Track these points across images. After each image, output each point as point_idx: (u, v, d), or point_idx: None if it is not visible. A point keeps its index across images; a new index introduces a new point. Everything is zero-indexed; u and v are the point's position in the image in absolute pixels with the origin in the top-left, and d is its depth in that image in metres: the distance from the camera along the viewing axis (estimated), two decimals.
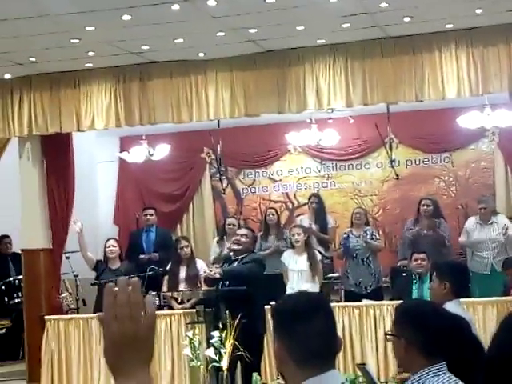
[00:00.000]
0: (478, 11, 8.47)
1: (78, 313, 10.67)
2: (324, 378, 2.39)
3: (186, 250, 9.88)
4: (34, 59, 9.36)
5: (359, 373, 6.17)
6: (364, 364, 5.97)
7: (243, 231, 8.67)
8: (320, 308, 2.50)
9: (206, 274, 8.62)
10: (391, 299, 9.54)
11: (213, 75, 9.69)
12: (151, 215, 11.34)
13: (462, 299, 5.43)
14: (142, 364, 1.58)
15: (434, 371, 3.17)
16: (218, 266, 8.80)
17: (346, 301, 10.21)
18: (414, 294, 9.20)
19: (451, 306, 4.50)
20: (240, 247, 8.43)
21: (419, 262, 9.11)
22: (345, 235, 10.63)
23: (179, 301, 9.72)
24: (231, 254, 8.68)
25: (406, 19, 8.61)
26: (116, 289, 1.58)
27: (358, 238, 10.50)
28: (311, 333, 2.43)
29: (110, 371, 1.60)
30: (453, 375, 3.20)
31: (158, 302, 9.71)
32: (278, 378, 8.47)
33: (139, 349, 1.58)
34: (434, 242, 10.36)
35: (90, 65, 9.76)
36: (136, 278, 1.63)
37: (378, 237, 10.78)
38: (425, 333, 3.23)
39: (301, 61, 9.48)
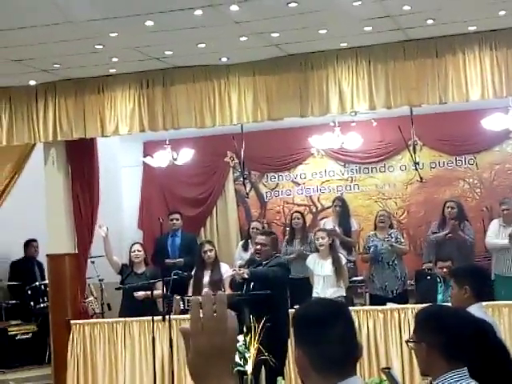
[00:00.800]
0: (501, 13, 8.42)
1: (103, 317, 10.73)
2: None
3: (209, 253, 9.88)
4: (58, 65, 9.43)
5: (384, 377, 6.15)
6: (389, 368, 5.94)
7: (261, 239, 8.62)
8: (340, 315, 2.51)
9: (233, 273, 8.63)
10: (416, 302, 9.51)
11: (235, 80, 9.71)
12: (177, 220, 11.38)
13: (484, 302, 5.40)
14: (228, 375, 1.65)
15: (455, 377, 3.15)
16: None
17: (371, 304, 10.19)
18: (440, 297, 9.18)
19: (474, 310, 4.47)
20: (262, 256, 8.46)
21: (444, 270, 9.11)
22: (370, 238, 10.59)
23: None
24: (256, 258, 8.68)
25: (429, 22, 8.58)
26: (201, 302, 1.64)
27: (382, 241, 10.47)
28: (331, 340, 2.43)
29: (194, 380, 1.65)
30: (475, 381, 3.17)
31: (182, 306, 9.74)
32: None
33: (224, 360, 1.64)
34: (458, 246, 10.31)
35: (113, 70, 9.81)
36: (223, 293, 1.69)
37: (402, 240, 10.74)
38: (445, 335, 3.21)
39: (323, 64, 9.48)
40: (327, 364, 2.41)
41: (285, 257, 10.85)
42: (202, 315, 1.62)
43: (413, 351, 3.39)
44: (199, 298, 1.64)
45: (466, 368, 3.18)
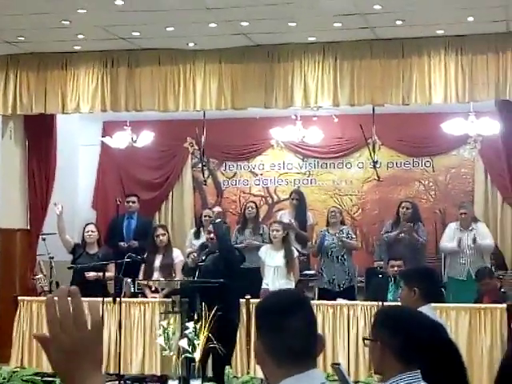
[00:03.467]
0: (470, 19, 8.53)
1: None
2: (304, 377, 2.38)
3: (162, 237, 9.84)
4: (22, 38, 9.31)
5: (332, 372, 6.19)
6: (338, 364, 5.98)
7: (211, 235, 8.65)
8: (300, 306, 2.48)
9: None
10: (366, 299, 9.59)
11: (201, 66, 9.69)
12: (133, 202, 11.31)
13: (433, 304, 5.47)
14: (95, 369, 1.61)
15: (407, 379, 3.17)
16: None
17: (319, 298, 10.24)
18: (390, 296, 9.27)
19: (424, 312, 4.52)
20: (213, 245, 8.46)
21: (395, 268, 9.23)
22: (321, 233, 10.66)
23: (153, 289, 9.71)
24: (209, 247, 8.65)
25: (398, 22, 8.65)
26: (56, 299, 1.58)
27: (333, 237, 10.52)
28: (289, 330, 2.41)
29: (62, 380, 1.61)
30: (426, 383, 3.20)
31: (132, 289, 9.69)
32: (248, 372, 8.52)
33: (89, 355, 1.59)
34: (410, 246, 10.40)
35: (78, 47, 9.72)
36: (74, 286, 1.64)
37: (353, 236, 10.81)
38: (401, 337, 3.22)
39: (290, 57, 9.50)
40: (284, 355, 2.39)
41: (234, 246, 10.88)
42: (58, 313, 1.57)
43: (364, 349, 3.41)
44: (53, 296, 1.58)
45: (418, 370, 3.20)
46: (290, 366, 2.38)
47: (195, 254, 8.81)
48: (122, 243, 10.67)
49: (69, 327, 1.57)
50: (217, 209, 9.93)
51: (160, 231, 9.93)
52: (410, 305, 4.95)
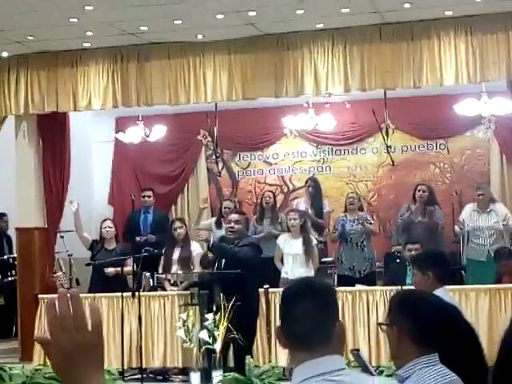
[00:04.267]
0: None
1: None
2: (319, 363, 2.41)
3: (179, 230, 9.85)
4: (32, 38, 9.33)
5: (352, 358, 6.20)
6: (358, 350, 6.00)
7: (235, 217, 8.60)
8: (306, 293, 2.53)
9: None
10: (384, 284, 9.58)
11: (211, 58, 9.68)
12: (149, 197, 11.34)
13: (449, 286, 5.47)
14: (96, 370, 1.61)
15: (425, 362, 3.17)
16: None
17: (339, 285, 10.24)
18: (408, 280, 9.24)
19: (439, 295, 4.51)
20: (235, 234, 8.41)
21: (413, 252, 9.19)
22: (340, 220, 10.65)
23: (172, 282, 9.73)
24: (229, 236, 8.62)
25: (406, 5, 8.60)
26: (56, 302, 1.59)
27: (352, 223, 10.52)
28: (293, 316, 2.49)
29: (63, 382, 1.61)
30: (445, 367, 3.19)
31: (151, 283, 9.73)
32: (269, 361, 8.54)
33: (90, 356, 1.60)
34: (427, 229, 10.38)
35: (88, 44, 9.73)
36: (75, 289, 1.65)
37: (372, 221, 10.80)
38: (417, 321, 3.21)
39: (299, 45, 9.47)
40: (294, 340, 2.47)
41: (253, 236, 10.89)
42: (58, 315, 1.57)
43: (384, 334, 3.40)
44: (53, 298, 1.59)
45: (436, 354, 3.20)
46: (300, 352, 2.45)
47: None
48: (139, 238, 10.71)
49: (69, 329, 1.57)
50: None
51: (177, 224, 9.94)
52: (424, 289, 4.94)
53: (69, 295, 1.60)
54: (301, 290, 2.56)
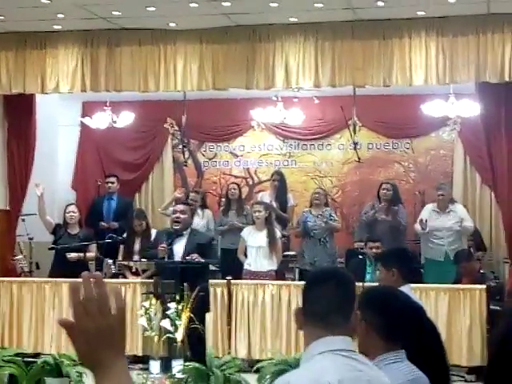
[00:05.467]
0: (451, 0, 8.53)
1: (31, 276, 10.58)
2: (335, 340, 2.64)
3: (138, 227, 9.89)
4: (1, 17, 9.21)
5: None
6: None
7: (181, 207, 8.63)
8: (330, 278, 2.80)
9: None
10: None
11: (182, 46, 9.65)
12: (113, 183, 11.29)
13: (413, 284, 5.51)
14: (118, 354, 1.61)
15: (392, 358, 3.20)
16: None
17: (300, 279, 10.28)
18: (368, 277, 9.32)
19: (404, 291, 4.55)
20: (180, 225, 8.43)
21: (373, 250, 9.30)
22: (304, 214, 10.68)
23: (133, 270, 9.70)
24: (175, 228, 8.61)
25: (379, 3, 8.64)
26: (82, 285, 1.59)
27: (316, 218, 10.56)
28: (317, 297, 2.73)
29: (87, 367, 1.62)
30: (411, 363, 3.23)
31: (113, 270, 9.69)
32: (229, 353, 8.54)
33: (114, 340, 1.61)
34: (389, 227, 10.46)
35: (58, 27, 9.64)
36: (98, 273, 1.64)
37: (336, 218, 10.85)
38: (385, 317, 3.24)
39: (271, 38, 9.48)
40: (313, 319, 2.69)
41: (218, 227, 10.91)
42: (83, 299, 1.58)
43: None
44: (77, 282, 1.60)
45: (403, 351, 3.23)
46: (319, 330, 2.67)
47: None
48: (102, 223, 10.66)
49: (93, 313, 1.58)
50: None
51: (136, 222, 9.92)
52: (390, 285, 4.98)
53: (93, 279, 1.59)
54: (328, 275, 2.86)
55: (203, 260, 8.02)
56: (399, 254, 5.61)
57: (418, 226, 10.32)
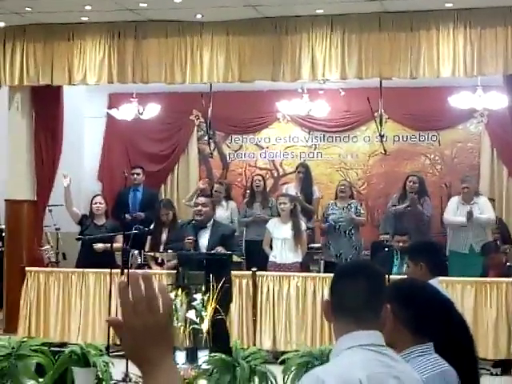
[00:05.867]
0: None
1: (58, 266, 10.67)
2: (364, 335, 2.60)
3: (165, 217, 9.93)
4: (29, 9, 9.28)
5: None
6: None
7: (202, 200, 8.72)
8: (360, 271, 2.77)
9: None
10: None
11: (209, 38, 9.65)
12: (138, 174, 11.33)
13: (440, 278, 5.49)
14: (166, 352, 1.63)
15: (420, 351, 3.19)
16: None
17: (325, 271, 10.28)
18: (395, 269, 9.29)
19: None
20: (203, 217, 8.50)
21: (401, 243, 9.25)
22: (329, 207, 10.67)
23: (159, 261, 9.74)
24: (197, 220, 8.67)
25: None
26: (130, 283, 1.60)
27: (341, 210, 10.55)
28: (347, 292, 2.68)
29: (135, 364, 1.63)
30: (439, 356, 3.22)
31: (139, 261, 9.74)
32: (254, 344, 8.56)
33: (161, 338, 1.62)
34: (415, 220, 10.42)
35: (85, 18, 9.68)
36: (149, 272, 1.66)
37: (362, 211, 10.83)
38: (413, 310, 3.24)
39: (298, 30, 9.46)
40: (342, 313, 2.66)
41: (243, 219, 10.93)
42: (131, 297, 1.59)
43: None
44: (125, 281, 1.61)
45: (431, 343, 3.23)
46: (349, 323, 2.63)
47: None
48: (127, 215, 10.71)
49: (142, 311, 1.59)
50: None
51: (164, 211, 9.97)
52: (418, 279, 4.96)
53: (141, 277, 1.60)
54: (358, 269, 2.82)
55: (227, 252, 8.06)
56: (427, 248, 5.58)
57: (453, 218, 10.23)
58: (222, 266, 7.92)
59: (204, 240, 8.54)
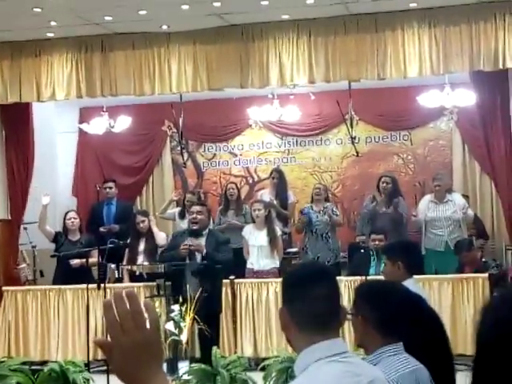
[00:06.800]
0: None
1: (35, 284, 10.61)
2: (329, 344, 2.44)
3: (142, 224, 9.90)
4: None
5: None
6: None
7: (197, 208, 8.73)
8: (324, 275, 2.59)
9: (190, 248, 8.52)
10: (348, 274, 9.65)
11: (176, 48, 9.66)
12: (111, 188, 11.30)
13: (416, 276, 5.51)
14: (157, 367, 1.62)
15: (391, 351, 3.21)
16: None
17: None
18: (372, 270, 9.33)
19: (408, 285, 4.55)
20: (198, 225, 8.51)
21: (377, 242, 9.30)
22: (306, 210, 10.68)
23: (137, 274, 9.70)
24: (193, 229, 8.68)
25: None
26: (113, 302, 1.59)
27: (317, 214, 10.56)
28: (313, 298, 2.49)
29: (126, 383, 1.62)
30: (410, 356, 3.24)
31: (116, 275, 9.70)
32: (235, 352, 8.55)
33: (151, 354, 1.61)
34: (391, 220, 10.46)
35: (51, 34, 9.65)
36: (131, 289, 1.65)
37: (337, 213, 10.86)
38: (381, 311, 3.25)
39: (264, 36, 9.49)
40: (307, 321, 2.47)
41: (217, 227, 10.91)
42: (117, 315, 1.59)
43: (349, 323, 3.43)
44: (110, 299, 1.60)
45: (400, 343, 3.24)
46: (313, 333, 2.45)
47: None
48: (102, 229, 10.66)
49: (130, 329, 1.58)
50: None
51: (140, 218, 9.97)
52: (394, 279, 4.98)
53: (125, 294, 1.60)
54: (316, 272, 2.58)
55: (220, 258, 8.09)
56: (404, 247, 5.60)
57: (414, 218, 10.34)
58: (211, 276, 7.93)
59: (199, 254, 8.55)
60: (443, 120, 12.39)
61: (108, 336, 1.60)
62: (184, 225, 10.38)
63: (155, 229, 10.11)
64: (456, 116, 11.59)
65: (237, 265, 9.77)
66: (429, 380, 3.24)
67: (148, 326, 1.60)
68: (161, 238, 9.98)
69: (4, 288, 9.86)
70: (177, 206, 11.89)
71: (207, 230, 8.65)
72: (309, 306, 2.49)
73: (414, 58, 9.18)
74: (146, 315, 1.60)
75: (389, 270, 5.31)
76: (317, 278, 2.55)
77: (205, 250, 8.31)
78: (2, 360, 8.69)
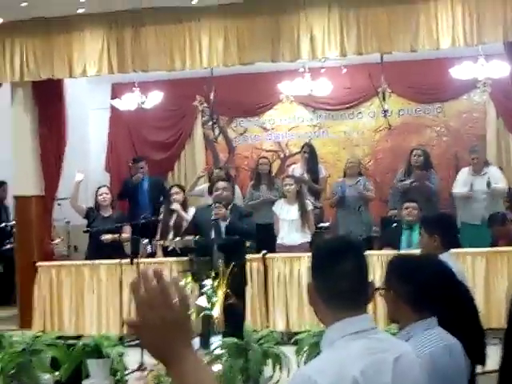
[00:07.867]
0: None
1: (69, 259, 10.71)
2: (355, 321, 2.42)
3: (176, 196, 9.87)
4: (25, 4, 9.24)
5: None
6: None
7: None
8: (350, 250, 2.52)
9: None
10: (380, 248, 9.61)
11: (206, 23, 9.61)
12: (141, 168, 11.30)
13: (452, 250, 5.47)
14: (187, 344, 1.63)
15: (423, 326, 3.19)
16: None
17: None
18: (404, 243, 9.27)
19: (444, 259, 4.52)
20: (223, 201, 8.50)
21: (410, 210, 9.22)
22: (339, 184, 10.65)
23: (170, 249, 9.73)
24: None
25: None
26: (142, 281, 1.60)
27: (350, 188, 10.53)
28: (337, 274, 2.45)
29: (159, 361, 1.63)
30: (443, 330, 3.22)
31: (149, 250, 9.74)
32: (267, 327, 8.57)
33: (181, 331, 1.62)
34: (423, 194, 10.38)
35: (82, 10, 9.64)
36: (159, 267, 1.65)
37: (370, 187, 10.80)
38: (412, 285, 3.23)
39: (295, 9, 9.40)
40: (333, 297, 2.45)
41: (250, 202, 10.91)
42: (145, 294, 1.59)
43: (382, 298, 3.42)
44: (138, 278, 1.61)
45: (434, 318, 3.22)
46: (339, 309, 2.44)
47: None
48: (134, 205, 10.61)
49: (159, 307, 1.59)
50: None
51: (175, 190, 9.97)
52: (430, 251, 4.96)
53: (152, 273, 1.60)
54: (345, 247, 2.52)
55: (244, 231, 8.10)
56: (443, 221, 5.57)
57: (459, 190, 10.21)
58: (237, 249, 7.95)
59: (223, 223, 8.54)
60: (477, 92, 12.21)
61: (137, 314, 1.60)
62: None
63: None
64: (490, 88, 11.44)
65: (268, 240, 9.79)
66: (462, 354, 3.23)
67: (178, 304, 1.60)
68: (191, 212, 9.95)
69: (39, 263, 9.96)
70: (209, 181, 11.91)
71: (231, 205, 8.64)
72: (334, 283, 2.45)
73: (446, 29, 9.05)
74: (175, 293, 1.60)
75: (425, 241, 5.29)
76: (342, 253, 2.49)
77: (229, 219, 8.31)
78: (38, 335, 8.80)
